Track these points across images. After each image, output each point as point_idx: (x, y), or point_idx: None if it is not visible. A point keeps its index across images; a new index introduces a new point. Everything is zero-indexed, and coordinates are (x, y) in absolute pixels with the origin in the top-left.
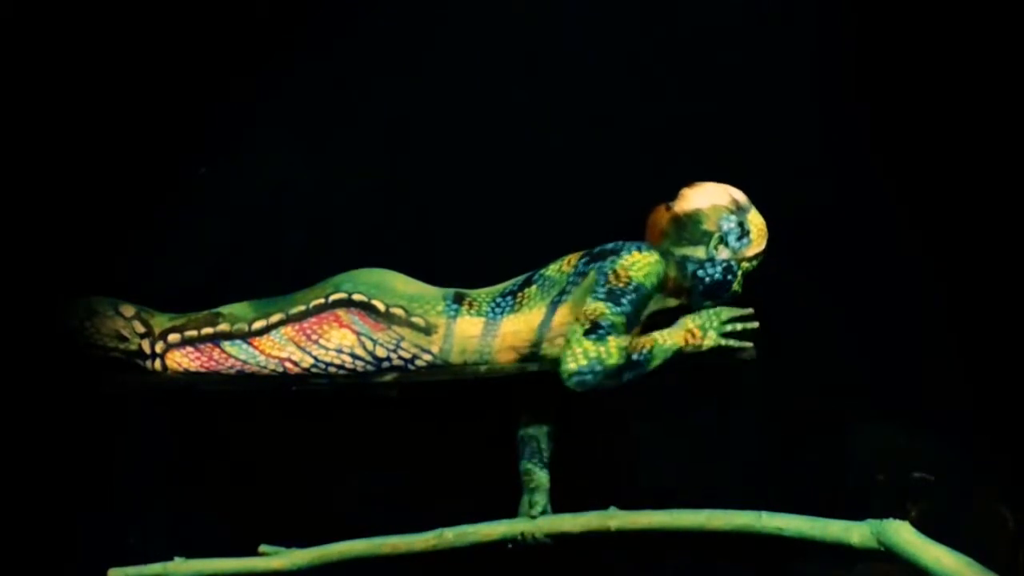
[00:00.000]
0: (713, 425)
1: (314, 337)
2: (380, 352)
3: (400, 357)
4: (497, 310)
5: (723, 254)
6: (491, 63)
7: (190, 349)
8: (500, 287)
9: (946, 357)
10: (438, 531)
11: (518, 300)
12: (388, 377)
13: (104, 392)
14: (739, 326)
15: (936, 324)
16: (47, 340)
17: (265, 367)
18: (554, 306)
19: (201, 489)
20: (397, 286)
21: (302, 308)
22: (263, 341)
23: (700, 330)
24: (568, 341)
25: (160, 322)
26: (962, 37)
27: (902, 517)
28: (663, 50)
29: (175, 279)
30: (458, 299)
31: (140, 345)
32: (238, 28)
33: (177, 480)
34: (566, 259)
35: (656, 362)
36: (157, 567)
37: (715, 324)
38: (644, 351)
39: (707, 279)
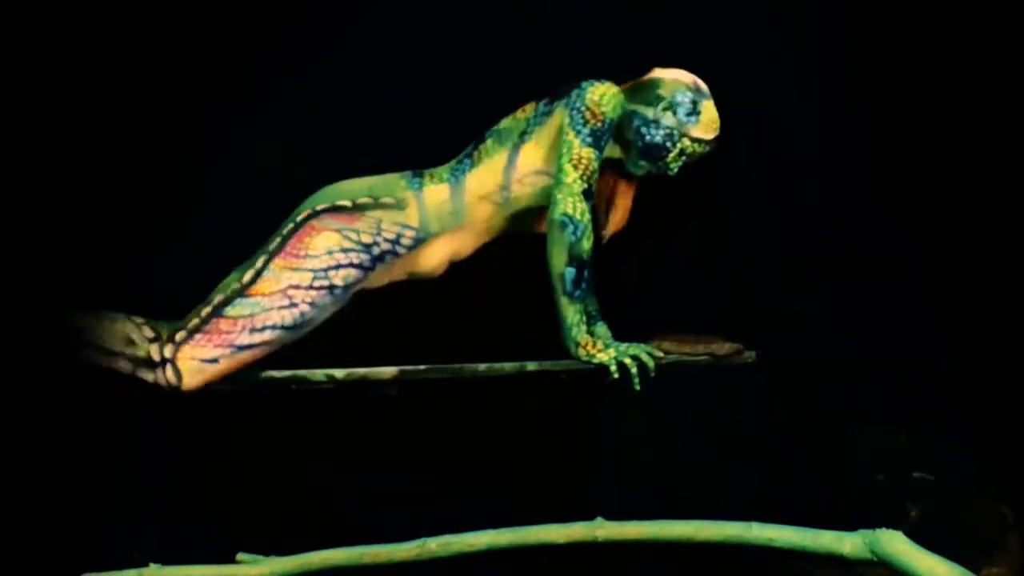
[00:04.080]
0: (712, 425)
1: (301, 253)
2: (366, 239)
3: (386, 240)
4: (458, 172)
5: (668, 120)
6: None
7: (198, 336)
8: (456, 159)
9: (946, 357)
10: (421, 541)
11: (475, 157)
12: (388, 375)
13: (104, 394)
14: (644, 358)
15: (936, 324)
16: (51, 344)
17: (272, 307)
18: (516, 148)
19: (200, 490)
20: (353, 185)
21: (278, 240)
22: (259, 286)
23: (603, 343)
24: (567, 185)
25: (167, 331)
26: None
27: (903, 517)
28: None
29: (178, 288)
30: (417, 174)
31: (149, 352)
32: (240, 29)
33: (176, 481)
34: (520, 109)
35: (574, 308)
36: (131, 573)
37: (620, 348)
38: (586, 285)
39: (647, 137)
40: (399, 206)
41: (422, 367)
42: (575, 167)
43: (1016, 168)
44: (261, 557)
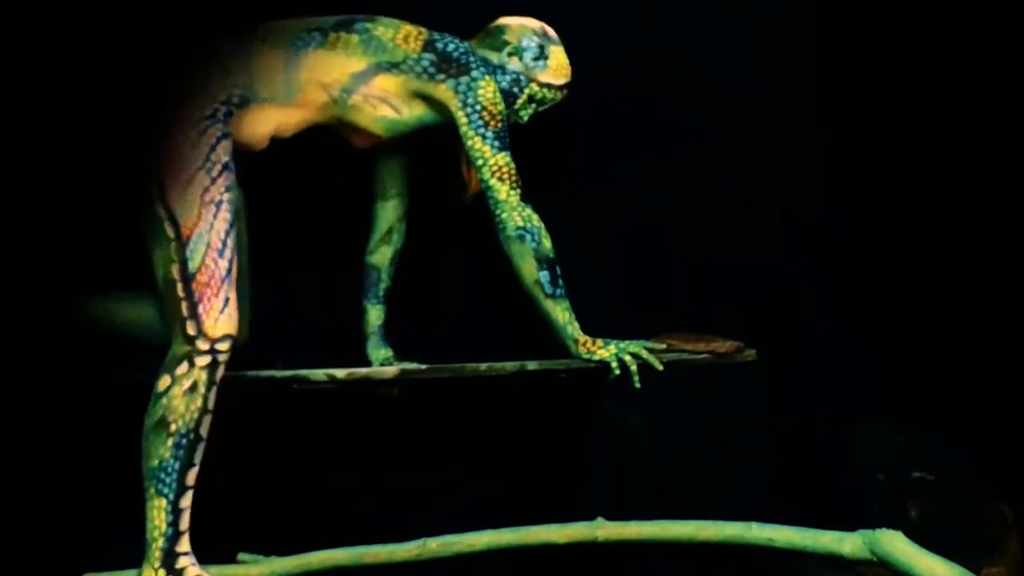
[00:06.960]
0: (712, 425)
1: (178, 167)
2: (208, 111)
3: (220, 102)
4: (300, 43)
5: (514, 65)
6: None
7: (200, 306)
8: (307, 21)
9: (946, 357)
10: (421, 541)
11: (330, 40)
12: (389, 374)
13: (105, 395)
14: (645, 355)
15: (936, 324)
16: (57, 336)
17: (210, 224)
18: (379, 69)
19: (201, 490)
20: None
21: (153, 186)
22: (185, 225)
23: (603, 340)
24: (505, 202)
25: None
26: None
27: (903, 517)
28: None
29: None
30: (249, 29)
31: (177, 358)
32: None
33: None
34: (401, 32)
35: (561, 307)
36: (131, 574)
37: (620, 345)
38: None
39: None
40: (220, 65)
41: (422, 367)
42: (501, 180)
43: (1016, 169)
44: (261, 557)
